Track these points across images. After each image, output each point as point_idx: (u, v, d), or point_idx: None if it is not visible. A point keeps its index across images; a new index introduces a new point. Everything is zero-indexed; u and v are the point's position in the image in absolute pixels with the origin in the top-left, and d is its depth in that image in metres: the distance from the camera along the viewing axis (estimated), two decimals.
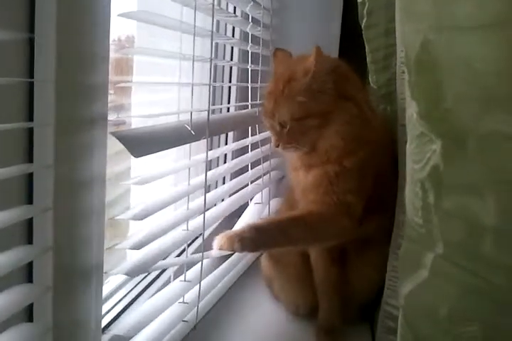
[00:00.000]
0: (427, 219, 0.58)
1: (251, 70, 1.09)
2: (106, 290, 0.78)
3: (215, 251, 0.78)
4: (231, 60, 1.20)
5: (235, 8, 1.14)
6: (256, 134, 1.10)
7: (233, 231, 0.79)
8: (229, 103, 1.23)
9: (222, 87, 1.21)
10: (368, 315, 0.99)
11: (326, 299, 0.96)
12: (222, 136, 1.24)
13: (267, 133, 1.11)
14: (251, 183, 1.08)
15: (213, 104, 1.18)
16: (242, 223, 1.02)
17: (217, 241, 0.77)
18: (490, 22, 0.49)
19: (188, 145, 0.79)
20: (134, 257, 0.67)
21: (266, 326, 0.97)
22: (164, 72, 0.72)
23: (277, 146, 0.86)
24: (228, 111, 1.21)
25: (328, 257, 0.94)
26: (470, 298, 0.54)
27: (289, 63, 0.89)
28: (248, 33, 1.07)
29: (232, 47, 1.19)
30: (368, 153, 0.84)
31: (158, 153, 0.67)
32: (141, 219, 0.64)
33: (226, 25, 1.17)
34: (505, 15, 0.48)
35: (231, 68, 1.21)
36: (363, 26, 0.98)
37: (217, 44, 1.15)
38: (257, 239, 0.78)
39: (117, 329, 0.65)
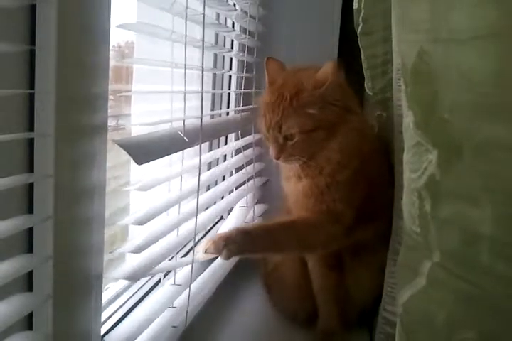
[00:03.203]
0: (424, 228, 0.58)
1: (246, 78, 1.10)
2: (105, 297, 0.78)
3: (200, 255, 0.78)
4: (230, 69, 1.21)
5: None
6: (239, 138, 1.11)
7: (219, 235, 0.79)
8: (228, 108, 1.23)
9: (222, 94, 1.22)
10: (367, 320, 0.99)
11: (325, 305, 0.96)
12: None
13: (249, 138, 1.13)
14: (235, 188, 1.09)
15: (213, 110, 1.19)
16: (227, 226, 1.03)
17: (203, 245, 0.77)
18: (485, 33, 0.50)
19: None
20: (130, 263, 0.68)
21: (258, 329, 0.98)
22: (165, 80, 0.73)
23: (278, 158, 0.85)
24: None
25: (325, 263, 0.94)
26: (467, 305, 0.55)
27: (288, 74, 0.88)
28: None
29: (231, 58, 1.20)
30: (361, 163, 0.85)
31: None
32: (142, 224, 0.65)
33: (224, 37, 1.18)
34: (500, 26, 0.49)
35: (230, 76, 1.22)
36: (358, 33, 0.98)
37: (215, 54, 1.15)
38: (243, 243, 0.78)
39: (113, 339, 0.66)
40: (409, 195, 0.62)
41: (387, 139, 0.90)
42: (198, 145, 0.78)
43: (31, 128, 0.50)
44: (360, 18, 0.97)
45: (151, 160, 0.65)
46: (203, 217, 0.90)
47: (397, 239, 0.84)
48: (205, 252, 0.77)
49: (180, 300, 0.81)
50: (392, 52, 0.85)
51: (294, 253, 0.94)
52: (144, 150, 0.65)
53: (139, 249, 0.65)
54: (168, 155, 0.73)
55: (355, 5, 0.99)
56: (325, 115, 0.82)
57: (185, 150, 0.79)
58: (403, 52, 0.63)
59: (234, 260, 1.08)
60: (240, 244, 0.78)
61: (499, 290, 0.52)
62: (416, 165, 0.59)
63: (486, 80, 0.50)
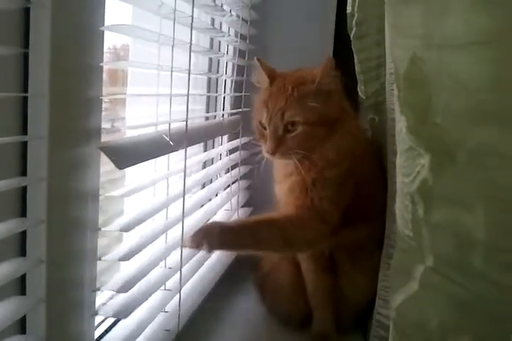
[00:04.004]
0: (417, 232, 0.58)
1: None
2: (99, 301, 0.78)
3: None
4: (226, 72, 1.21)
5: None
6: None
7: (198, 229, 0.77)
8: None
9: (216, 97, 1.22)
10: (361, 323, 0.99)
11: (319, 307, 0.96)
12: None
13: (237, 141, 1.13)
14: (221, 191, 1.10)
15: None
16: None
17: (183, 240, 0.77)
18: (480, 39, 0.50)
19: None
20: (122, 273, 0.67)
21: (251, 332, 0.98)
22: (160, 83, 0.73)
23: (274, 153, 0.83)
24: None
25: (319, 265, 0.94)
26: (460, 309, 0.55)
27: (287, 72, 0.90)
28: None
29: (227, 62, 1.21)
30: (351, 165, 0.85)
31: None
32: (128, 231, 0.64)
33: (220, 41, 1.18)
34: (495, 31, 0.49)
35: (225, 79, 1.22)
36: (351, 37, 0.99)
37: (210, 57, 1.16)
38: (222, 237, 0.77)
39: None
40: (402, 199, 0.62)
41: (380, 143, 0.91)
42: (184, 149, 0.77)
43: (24, 132, 0.50)
44: (354, 21, 0.98)
45: (134, 165, 0.65)
46: (190, 221, 0.90)
47: (390, 243, 0.84)
48: (185, 246, 0.77)
49: (172, 304, 0.81)
50: (385, 56, 0.85)
51: (278, 250, 0.91)
52: (125, 154, 0.64)
53: (126, 257, 0.64)
54: (152, 159, 0.72)
55: (349, 9, 0.99)
56: (325, 110, 0.82)
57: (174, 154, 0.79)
58: (396, 57, 0.64)
59: (226, 263, 1.08)
60: (220, 238, 0.76)
61: (494, 296, 0.51)
62: (409, 169, 0.59)
63: (481, 86, 0.50)
